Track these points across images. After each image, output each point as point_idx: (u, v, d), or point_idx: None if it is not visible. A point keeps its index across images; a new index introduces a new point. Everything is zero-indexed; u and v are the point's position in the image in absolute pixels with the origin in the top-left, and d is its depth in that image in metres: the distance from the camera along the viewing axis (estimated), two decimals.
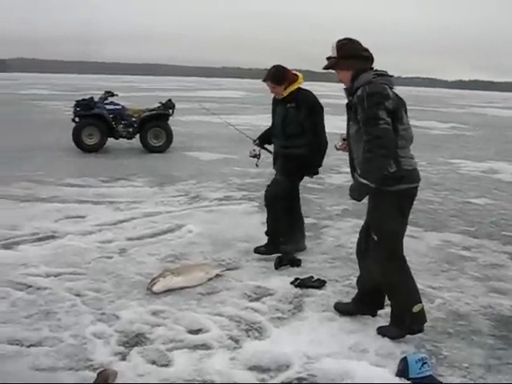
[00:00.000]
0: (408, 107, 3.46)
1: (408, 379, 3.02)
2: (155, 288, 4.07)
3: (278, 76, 4.76)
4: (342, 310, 3.85)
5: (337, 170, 9.93)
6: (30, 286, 4.12)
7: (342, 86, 3.56)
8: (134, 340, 3.40)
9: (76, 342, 3.31)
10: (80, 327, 3.49)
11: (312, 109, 4.79)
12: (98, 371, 2.85)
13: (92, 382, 2.76)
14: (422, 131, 17.21)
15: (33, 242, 5.16)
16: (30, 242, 5.15)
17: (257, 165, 5.31)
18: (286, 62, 4.96)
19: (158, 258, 4.92)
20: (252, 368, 3.15)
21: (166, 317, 3.71)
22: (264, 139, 5.20)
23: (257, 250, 4.97)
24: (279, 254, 4.87)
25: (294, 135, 4.78)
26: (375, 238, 3.44)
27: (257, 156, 5.20)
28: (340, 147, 3.81)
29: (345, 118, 3.51)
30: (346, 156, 3.70)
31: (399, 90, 3.53)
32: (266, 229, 5.01)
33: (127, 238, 5.44)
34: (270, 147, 5.20)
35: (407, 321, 3.45)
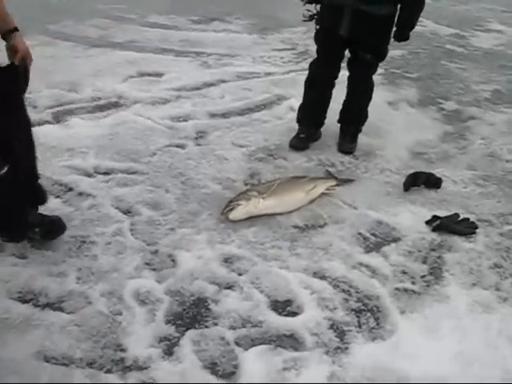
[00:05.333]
0: None
1: None
2: (232, 215, 2.87)
3: None
4: None
5: (483, 25, 7.69)
6: (71, 190, 3.06)
7: None
8: (191, 313, 2.30)
9: (108, 307, 2.27)
10: (119, 277, 2.43)
11: None
12: None
13: None
14: None
15: (90, 112, 4.01)
16: (86, 111, 4.01)
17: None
18: None
19: (245, 152, 3.68)
20: None
21: (241, 271, 2.56)
22: None
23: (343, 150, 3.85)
24: (414, 171, 3.49)
25: None
26: None
27: (315, 16, 3.49)
28: None
29: None
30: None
31: None
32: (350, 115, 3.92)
33: (210, 114, 4.20)
34: None
35: None
